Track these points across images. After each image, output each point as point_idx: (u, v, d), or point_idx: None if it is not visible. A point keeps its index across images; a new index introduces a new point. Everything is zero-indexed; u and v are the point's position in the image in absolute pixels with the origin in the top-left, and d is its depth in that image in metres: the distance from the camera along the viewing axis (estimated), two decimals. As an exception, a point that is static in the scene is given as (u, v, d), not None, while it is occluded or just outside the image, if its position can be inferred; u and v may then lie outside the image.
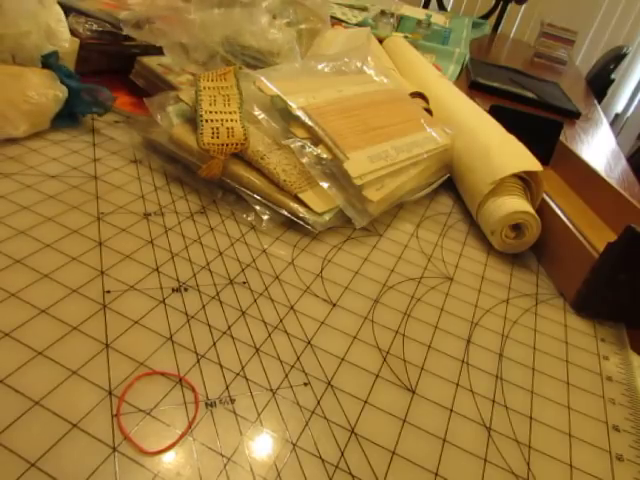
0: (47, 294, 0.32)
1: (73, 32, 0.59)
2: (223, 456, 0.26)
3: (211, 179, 0.45)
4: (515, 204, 0.48)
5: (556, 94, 1.12)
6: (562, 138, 0.69)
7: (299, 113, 0.48)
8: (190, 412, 0.27)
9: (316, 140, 0.48)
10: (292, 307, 0.37)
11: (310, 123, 0.48)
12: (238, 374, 0.30)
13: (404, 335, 0.37)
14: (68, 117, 0.50)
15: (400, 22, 1.23)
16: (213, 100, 0.48)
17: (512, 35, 2.28)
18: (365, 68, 0.64)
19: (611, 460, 0.31)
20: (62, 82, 0.48)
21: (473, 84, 1.03)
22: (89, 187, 0.43)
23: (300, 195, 0.45)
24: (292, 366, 0.32)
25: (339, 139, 0.47)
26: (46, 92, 0.47)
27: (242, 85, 0.50)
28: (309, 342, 0.34)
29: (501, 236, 0.48)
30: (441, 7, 2.06)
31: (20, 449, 0.24)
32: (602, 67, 1.92)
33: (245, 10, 0.65)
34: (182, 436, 0.26)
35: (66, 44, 0.56)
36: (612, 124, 2.64)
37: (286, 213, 0.44)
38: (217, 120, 0.46)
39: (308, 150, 0.47)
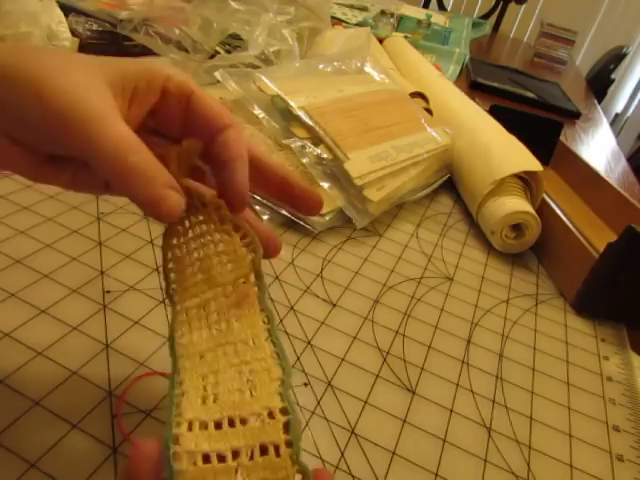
0: (47, 294, 0.32)
1: (73, 32, 0.59)
2: (223, 456, 0.26)
3: None
4: (515, 204, 0.48)
5: (556, 94, 1.12)
6: (562, 138, 0.69)
7: (300, 113, 0.48)
8: (190, 412, 0.27)
9: (316, 140, 0.48)
10: (292, 307, 0.37)
11: (311, 123, 0.48)
12: (238, 374, 0.30)
13: (404, 335, 0.37)
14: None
15: (400, 22, 1.23)
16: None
17: (512, 35, 2.28)
18: (365, 68, 0.64)
19: (611, 460, 0.31)
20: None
21: (473, 84, 1.03)
22: (89, 187, 0.43)
23: (300, 195, 0.44)
24: (292, 366, 0.32)
25: (340, 139, 0.47)
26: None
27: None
28: (309, 342, 0.34)
29: (501, 236, 0.48)
30: (441, 7, 2.06)
31: (20, 449, 0.24)
32: (602, 67, 1.92)
33: (245, 10, 0.65)
34: (182, 436, 0.26)
35: (67, 44, 0.56)
36: (612, 124, 2.64)
37: (286, 213, 0.44)
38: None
39: (309, 150, 0.47)
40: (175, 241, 0.23)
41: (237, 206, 0.22)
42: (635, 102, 2.73)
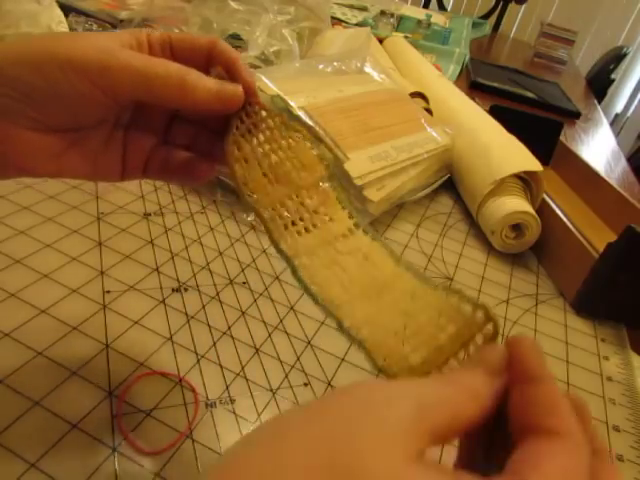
0: (47, 294, 0.32)
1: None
2: (223, 456, 0.26)
3: None
4: (515, 204, 0.48)
5: (556, 94, 1.12)
6: (562, 138, 0.69)
7: (300, 113, 0.48)
8: (190, 412, 0.27)
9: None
10: (292, 307, 0.36)
11: (311, 123, 0.48)
12: (238, 374, 0.30)
13: (404, 335, 0.37)
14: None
15: (400, 22, 1.23)
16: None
17: (512, 35, 2.27)
18: (365, 68, 0.64)
19: (611, 461, 0.31)
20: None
21: (473, 84, 1.03)
22: (89, 187, 0.43)
23: (300, 195, 0.44)
24: (292, 366, 0.32)
25: (339, 139, 0.47)
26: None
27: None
28: (309, 342, 0.34)
29: (501, 236, 0.48)
30: (441, 7, 2.06)
31: (20, 449, 0.24)
32: (602, 67, 1.92)
33: (245, 10, 0.65)
34: (182, 436, 0.26)
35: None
36: (612, 124, 2.64)
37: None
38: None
39: (308, 150, 0.47)
40: (240, 151, 0.24)
41: (251, 95, 0.25)
42: (635, 102, 2.73)
